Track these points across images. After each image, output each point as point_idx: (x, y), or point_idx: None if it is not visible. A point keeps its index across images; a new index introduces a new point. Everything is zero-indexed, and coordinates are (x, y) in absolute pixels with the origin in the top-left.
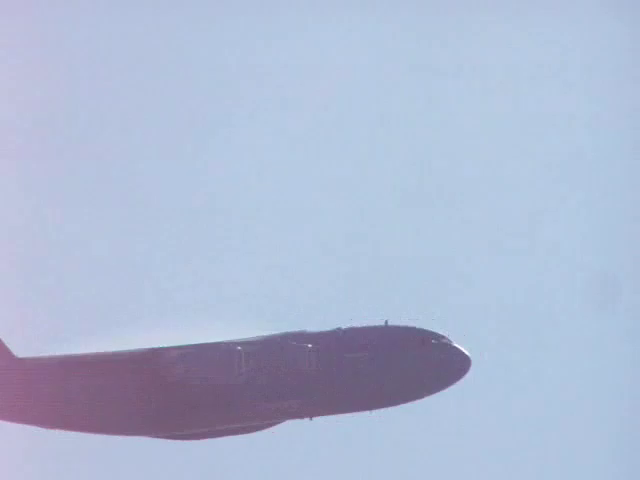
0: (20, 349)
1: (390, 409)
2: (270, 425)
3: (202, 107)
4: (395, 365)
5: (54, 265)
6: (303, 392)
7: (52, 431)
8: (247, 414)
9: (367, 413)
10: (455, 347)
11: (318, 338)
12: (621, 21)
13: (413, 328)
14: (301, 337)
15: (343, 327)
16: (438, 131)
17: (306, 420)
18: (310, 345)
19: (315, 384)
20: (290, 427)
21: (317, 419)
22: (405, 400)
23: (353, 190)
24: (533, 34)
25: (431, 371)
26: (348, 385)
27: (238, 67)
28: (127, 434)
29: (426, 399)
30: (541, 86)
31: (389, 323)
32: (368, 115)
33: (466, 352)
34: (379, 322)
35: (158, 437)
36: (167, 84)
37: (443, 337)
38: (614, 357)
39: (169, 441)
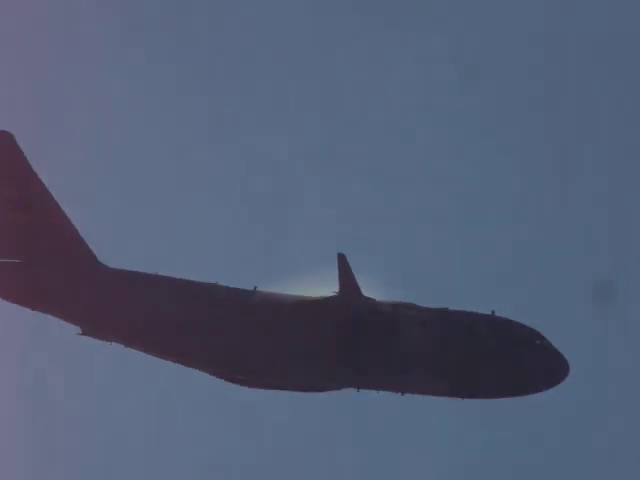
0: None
1: (483, 401)
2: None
3: None
4: (503, 358)
5: None
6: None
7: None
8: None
9: (459, 400)
10: (556, 351)
11: (435, 315)
12: None
13: (518, 323)
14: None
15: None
16: None
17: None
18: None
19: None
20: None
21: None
22: (501, 395)
23: None
24: None
25: (532, 371)
26: (455, 368)
27: None
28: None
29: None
30: None
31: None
32: None
33: (565, 358)
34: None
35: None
36: None
37: (543, 337)
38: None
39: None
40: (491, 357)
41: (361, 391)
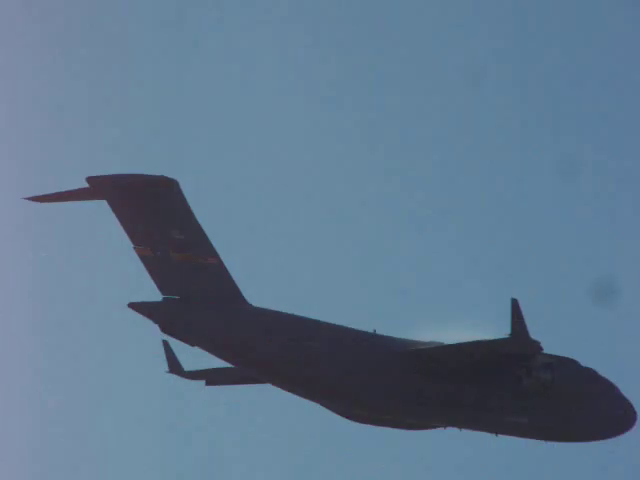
0: None
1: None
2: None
3: None
4: (593, 405)
5: None
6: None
7: None
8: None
9: (542, 443)
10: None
11: (559, 362)
12: None
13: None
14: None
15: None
16: None
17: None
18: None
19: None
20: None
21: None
22: (579, 439)
23: None
24: None
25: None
26: (552, 411)
27: None
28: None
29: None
30: None
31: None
32: None
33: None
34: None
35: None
36: None
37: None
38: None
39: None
40: (584, 402)
41: (463, 430)
